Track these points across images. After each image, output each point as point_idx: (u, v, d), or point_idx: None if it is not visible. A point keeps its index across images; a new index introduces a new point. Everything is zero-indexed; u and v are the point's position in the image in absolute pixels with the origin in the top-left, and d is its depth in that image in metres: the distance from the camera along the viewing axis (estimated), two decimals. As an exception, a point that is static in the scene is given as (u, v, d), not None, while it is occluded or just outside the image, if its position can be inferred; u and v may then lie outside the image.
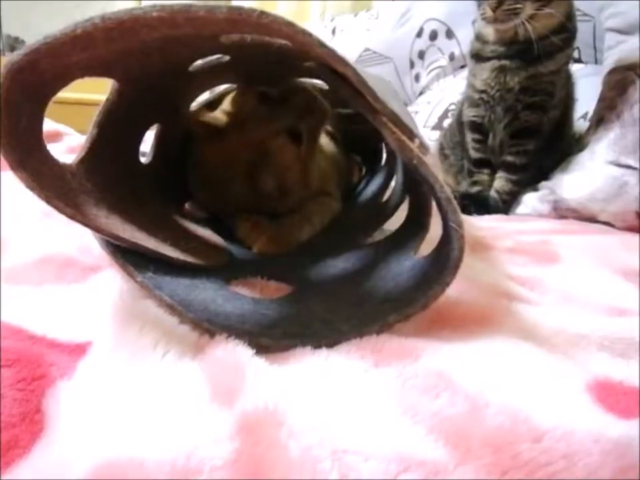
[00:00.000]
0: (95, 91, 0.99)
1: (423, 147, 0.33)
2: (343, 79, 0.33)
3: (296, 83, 0.58)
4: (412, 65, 1.54)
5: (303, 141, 0.57)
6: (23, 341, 0.32)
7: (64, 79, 0.33)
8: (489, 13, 0.84)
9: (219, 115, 0.56)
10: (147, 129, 0.48)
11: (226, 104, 0.58)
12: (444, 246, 0.36)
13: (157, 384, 0.29)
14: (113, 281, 0.40)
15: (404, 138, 0.32)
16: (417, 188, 0.43)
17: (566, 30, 0.86)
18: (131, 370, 0.30)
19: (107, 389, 0.29)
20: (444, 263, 0.35)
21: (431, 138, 1.22)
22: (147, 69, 0.39)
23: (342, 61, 0.31)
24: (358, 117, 0.40)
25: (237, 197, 0.57)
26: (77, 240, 0.47)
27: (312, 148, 0.59)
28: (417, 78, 1.54)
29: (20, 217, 0.55)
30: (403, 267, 0.42)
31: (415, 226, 0.45)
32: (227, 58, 0.45)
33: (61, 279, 0.42)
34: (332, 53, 0.31)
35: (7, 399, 0.27)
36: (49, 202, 0.32)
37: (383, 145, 0.77)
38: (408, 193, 0.52)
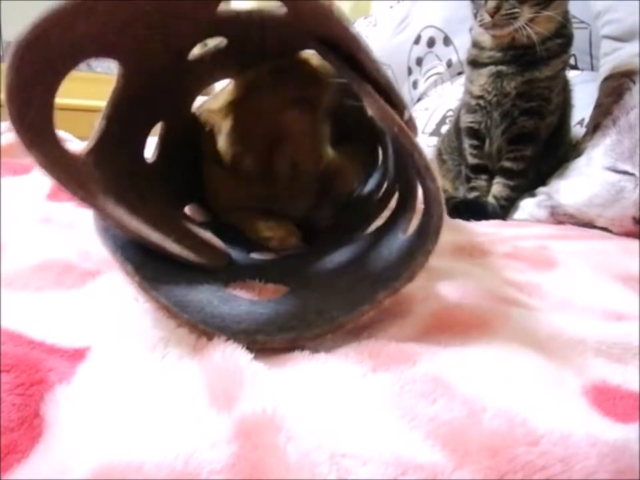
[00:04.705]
0: (94, 98, 1.00)
1: (411, 121, 0.33)
2: (336, 49, 0.33)
3: (296, 56, 0.58)
4: (410, 71, 1.55)
5: (312, 109, 0.56)
6: (22, 346, 0.32)
7: (71, 59, 0.33)
8: (488, 18, 0.84)
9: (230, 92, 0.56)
10: (150, 128, 0.49)
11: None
12: (425, 216, 0.36)
13: (156, 388, 0.29)
14: (111, 285, 0.40)
15: (387, 107, 0.32)
16: (405, 172, 0.43)
17: (563, 35, 0.86)
18: (130, 374, 0.31)
19: (105, 393, 0.29)
20: (425, 232, 0.35)
21: (429, 144, 1.23)
22: (149, 51, 0.39)
23: (340, 22, 0.31)
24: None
25: (249, 185, 0.57)
26: (76, 245, 0.47)
27: (319, 117, 0.58)
28: (414, 85, 1.55)
29: (19, 223, 0.55)
30: (392, 248, 0.42)
31: (403, 209, 0.45)
32: (225, 43, 0.45)
33: (59, 284, 0.42)
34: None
35: (6, 404, 0.27)
36: (60, 182, 0.31)
37: (379, 147, 0.77)
38: (398, 181, 0.52)
